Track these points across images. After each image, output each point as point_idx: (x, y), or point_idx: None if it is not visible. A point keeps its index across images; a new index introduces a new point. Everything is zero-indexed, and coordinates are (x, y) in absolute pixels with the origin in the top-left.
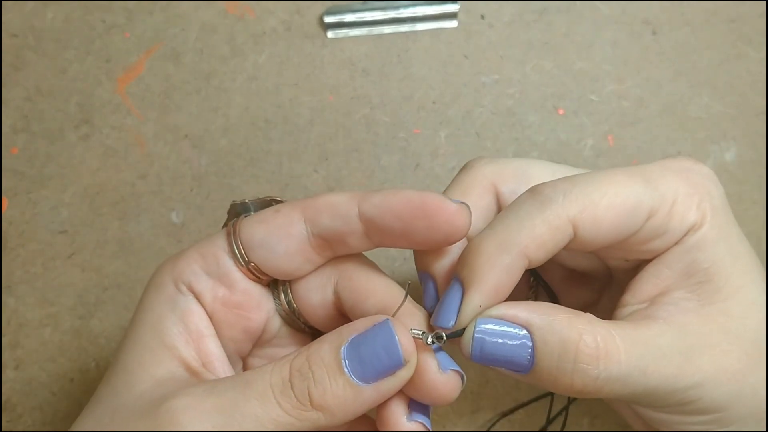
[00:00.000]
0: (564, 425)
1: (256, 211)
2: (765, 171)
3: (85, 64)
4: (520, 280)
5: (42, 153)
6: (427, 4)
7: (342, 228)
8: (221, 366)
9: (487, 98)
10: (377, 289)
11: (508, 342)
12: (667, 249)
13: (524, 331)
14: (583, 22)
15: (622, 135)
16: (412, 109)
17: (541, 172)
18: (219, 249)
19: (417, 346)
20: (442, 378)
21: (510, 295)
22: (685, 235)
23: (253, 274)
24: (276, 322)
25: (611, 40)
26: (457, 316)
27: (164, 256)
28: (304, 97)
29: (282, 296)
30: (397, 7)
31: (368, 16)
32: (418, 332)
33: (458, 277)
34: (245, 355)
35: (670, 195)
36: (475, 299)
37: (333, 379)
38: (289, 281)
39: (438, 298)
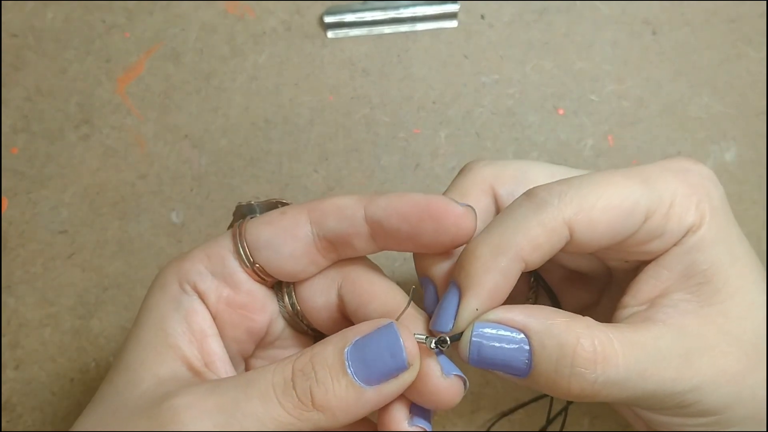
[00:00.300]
0: (563, 425)
1: (261, 212)
2: (765, 171)
3: (85, 64)
4: (521, 281)
5: (42, 153)
6: (427, 4)
7: (348, 230)
8: (224, 366)
9: (487, 98)
10: (380, 293)
11: (506, 346)
12: (666, 250)
13: (522, 335)
14: (583, 22)
15: (622, 135)
16: (412, 109)
17: (540, 174)
18: (224, 249)
19: (420, 350)
20: (445, 383)
21: (510, 297)
22: (684, 236)
23: (258, 276)
24: (279, 324)
25: (611, 40)
26: (455, 320)
27: (164, 256)
28: (304, 97)
29: (286, 298)
30: (397, 7)
31: (368, 16)
32: (422, 337)
33: (455, 281)
34: (248, 356)
35: (667, 196)
36: (472, 303)
37: (336, 379)
38: (294, 283)
39: (438, 302)
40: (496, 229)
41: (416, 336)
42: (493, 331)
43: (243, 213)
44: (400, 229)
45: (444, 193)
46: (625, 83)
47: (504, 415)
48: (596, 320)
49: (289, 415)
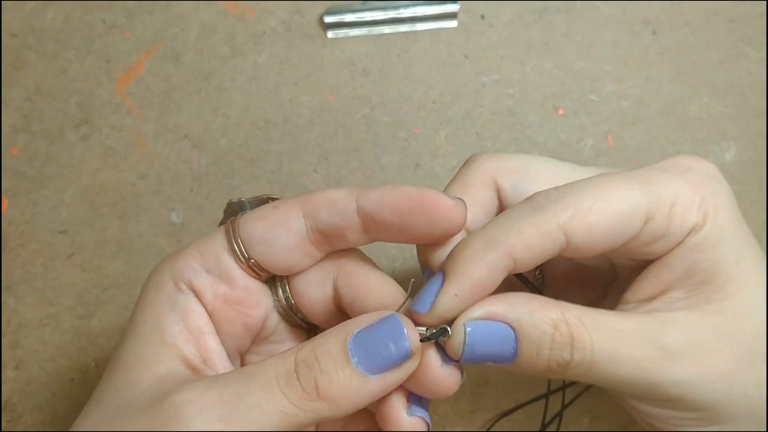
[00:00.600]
0: (559, 425)
1: (252, 209)
2: (765, 171)
3: (85, 64)
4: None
5: (42, 153)
6: (427, 4)
7: (341, 223)
8: (222, 363)
9: (487, 98)
10: (376, 287)
11: (495, 341)
12: (670, 250)
13: (508, 328)
14: (583, 22)
15: (622, 135)
16: (412, 109)
17: (543, 168)
18: (218, 246)
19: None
20: (445, 372)
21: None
22: (687, 236)
23: (253, 271)
24: (274, 319)
25: (611, 40)
26: (433, 302)
27: (164, 256)
28: (304, 97)
29: (280, 292)
30: (397, 7)
31: (368, 16)
32: (422, 329)
33: (443, 268)
34: (244, 351)
35: (668, 197)
36: (452, 288)
37: (340, 369)
38: (287, 277)
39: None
40: (491, 225)
41: (417, 328)
42: (484, 330)
43: (234, 210)
44: (392, 222)
45: (447, 185)
46: (625, 83)
47: (504, 415)
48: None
49: (293, 405)
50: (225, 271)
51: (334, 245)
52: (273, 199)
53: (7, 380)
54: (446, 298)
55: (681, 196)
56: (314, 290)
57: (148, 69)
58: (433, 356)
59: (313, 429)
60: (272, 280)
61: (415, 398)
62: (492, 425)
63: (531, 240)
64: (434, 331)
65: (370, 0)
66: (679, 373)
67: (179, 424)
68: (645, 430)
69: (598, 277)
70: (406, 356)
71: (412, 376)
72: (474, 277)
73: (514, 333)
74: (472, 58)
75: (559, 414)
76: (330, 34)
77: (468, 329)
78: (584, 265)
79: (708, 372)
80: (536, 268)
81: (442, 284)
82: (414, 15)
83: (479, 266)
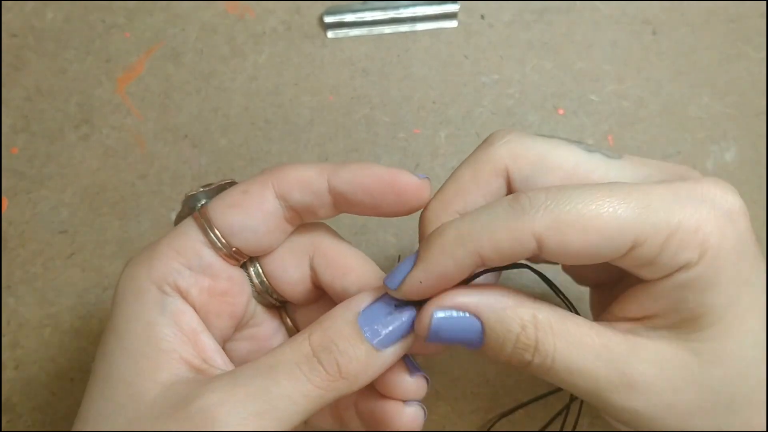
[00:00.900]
0: (563, 425)
1: (212, 197)
2: (765, 171)
3: (85, 64)
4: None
5: (42, 153)
6: (427, 4)
7: (314, 202)
8: (220, 358)
9: (487, 98)
10: (356, 266)
11: (460, 328)
12: (656, 279)
13: (476, 321)
14: (583, 22)
15: (622, 135)
16: (412, 109)
17: (565, 158)
18: (195, 241)
19: None
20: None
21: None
22: (678, 270)
23: (234, 258)
24: (252, 302)
25: (611, 40)
26: (400, 283)
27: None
28: (304, 97)
29: (253, 275)
30: (397, 7)
31: (368, 16)
32: None
33: (418, 249)
34: (228, 340)
35: (665, 228)
36: (418, 275)
37: (356, 347)
38: (258, 260)
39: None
40: (469, 219)
41: None
42: (450, 315)
43: (192, 204)
44: (363, 199)
45: (460, 166)
46: (625, 83)
47: (504, 415)
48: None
49: (318, 388)
50: (207, 265)
51: (304, 220)
52: (231, 184)
53: (7, 380)
54: (412, 282)
55: (682, 230)
56: (291, 271)
57: (148, 69)
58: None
59: (303, 429)
60: (244, 264)
61: (410, 364)
62: (492, 425)
63: (502, 243)
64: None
65: (370, 0)
66: (633, 402)
67: (215, 427)
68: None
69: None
70: (412, 324)
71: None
72: (439, 270)
73: (482, 324)
74: (472, 58)
75: (561, 412)
76: (330, 34)
77: (435, 315)
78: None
79: (663, 408)
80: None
81: (411, 267)
82: (414, 15)
83: (446, 260)
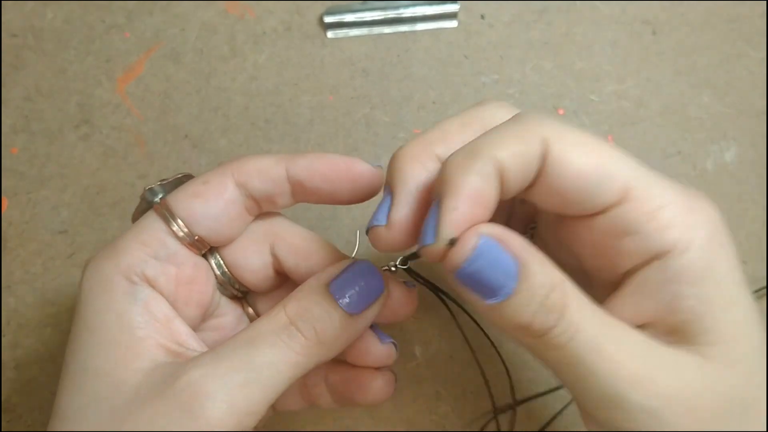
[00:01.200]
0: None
1: (171, 191)
2: (765, 171)
3: (85, 64)
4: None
5: (42, 153)
6: (427, 4)
7: (273, 190)
8: (195, 342)
9: (487, 98)
10: (317, 249)
11: (498, 264)
12: (643, 262)
13: (515, 264)
14: (583, 22)
15: (622, 135)
16: (412, 109)
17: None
18: (159, 232)
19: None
20: (410, 293)
21: None
22: (667, 254)
23: (196, 248)
24: (217, 293)
25: (611, 40)
26: (436, 227)
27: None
28: (304, 97)
29: (214, 265)
30: (397, 7)
31: (368, 16)
32: (385, 267)
33: (436, 196)
34: (195, 330)
35: (658, 197)
36: (450, 204)
37: (331, 314)
38: (218, 250)
39: (390, 211)
40: (478, 138)
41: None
42: (493, 250)
43: (150, 198)
44: (321, 187)
45: (447, 118)
46: (625, 83)
47: (501, 411)
48: None
49: (298, 354)
50: (172, 253)
51: (262, 209)
52: (188, 177)
53: (7, 380)
54: (447, 214)
55: (672, 207)
56: (253, 259)
57: (148, 69)
58: (396, 284)
59: (271, 412)
60: (204, 256)
61: (380, 333)
62: (486, 425)
63: (512, 146)
64: (399, 260)
65: (370, 0)
66: (653, 401)
67: (203, 400)
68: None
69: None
70: (381, 291)
71: (388, 306)
72: (469, 189)
73: (519, 271)
74: (472, 58)
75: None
76: (330, 34)
77: (481, 241)
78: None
79: (683, 412)
80: (528, 225)
81: (437, 215)
82: (414, 15)
83: (471, 177)
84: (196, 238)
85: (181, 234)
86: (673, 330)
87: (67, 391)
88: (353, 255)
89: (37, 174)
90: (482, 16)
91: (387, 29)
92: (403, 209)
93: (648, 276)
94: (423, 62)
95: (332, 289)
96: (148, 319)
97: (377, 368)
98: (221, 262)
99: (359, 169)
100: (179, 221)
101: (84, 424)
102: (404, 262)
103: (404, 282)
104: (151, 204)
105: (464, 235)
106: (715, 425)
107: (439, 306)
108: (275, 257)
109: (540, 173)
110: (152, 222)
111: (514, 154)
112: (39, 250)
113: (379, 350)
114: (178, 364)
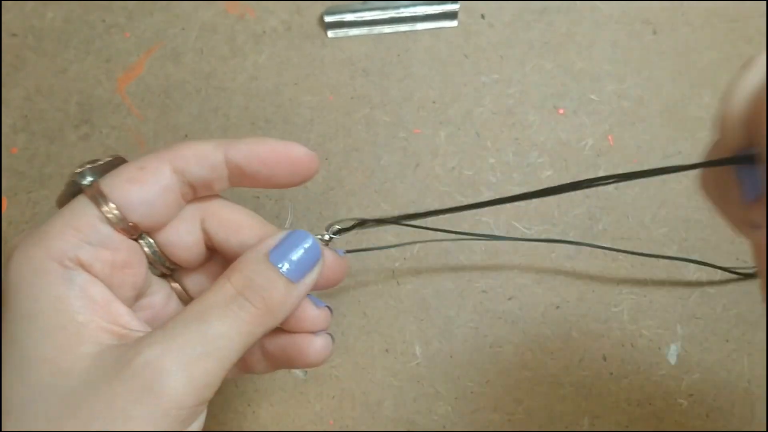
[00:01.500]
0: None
1: (102, 175)
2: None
3: (85, 64)
4: None
5: (42, 153)
6: (427, 4)
7: (210, 175)
8: (136, 322)
9: (487, 98)
10: (246, 221)
11: None
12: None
13: None
14: (583, 22)
15: (622, 135)
16: (412, 109)
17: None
18: (92, 217)
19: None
20: (341, 260)
21: None
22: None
23: (129, 233)
24: (148, 272)
25: (611, 40)
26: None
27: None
28: (304, 97)
29: (144, 245)
30: (397, 7)
31: (368, 15)
32: (317, 236)
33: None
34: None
35: None
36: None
37: (274, 283)
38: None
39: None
40: None
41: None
42: None
43: (79, 182)
44: (259, 171)
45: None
46: (625, 83)
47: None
48: None
49: (249, 324)
50: (106, 238)
51: (198, 194)
52: (120, 160)
53: None
54: None
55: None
56: (185, 237)
57: (148, 69)
58: (328, 251)
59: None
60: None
61: (314, 299)
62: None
63: None
64: (329, 231)
65: (370, 0)
66: None
67: (162, 377)
68: (645, 430)
69: None
70: (318, 258)
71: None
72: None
73: None
74: (472, 58)
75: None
76: (330, 33)
77: None
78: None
79: None
80: None
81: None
82: (414, 15)
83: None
84: (131, 224)
85: (115, 220)
86: None
87: (8, 384)
88: (286, 227)
89: (37, 174)
90: (482, 16)
91: (387, 29)
92: None
93: None
94: (423, 62)
95: (272, 259)
96: (87, 303)
97: (313, 332)
98: (152, 241)
99: (297, 154)
100: (112, 206)
101: (33, 416)
102: (337, 232)
103: (335, 250)
104: (78, 188)
105: None
106: None
107: (438, 306)
108: (206, 232)
109: None
110: (83, 207)
111: None
112: None
113: (316, 314)
114: (128, 346)
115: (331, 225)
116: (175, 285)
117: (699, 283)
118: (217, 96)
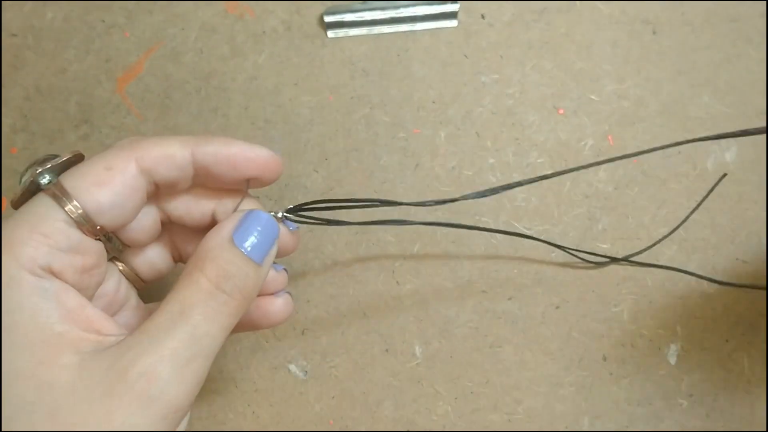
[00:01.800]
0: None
1: (60, 173)
2: (765, 171)
3: (85, 64)
4: None
5: (42, 153)
6: (427, 4)
7: (178, 177)
8: (111, 324)
9: (487, 98)
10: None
11: None
12: None
13: None
14: (583, 22)
15: (622, 135)
16: (412, 109)
17: None
18: (59, 222)
19: None
20: (294, 235)
21: None
22: None
23: (96, 234)
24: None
25: (611, 40)
26: None
27: None
28: (304, 97)
29: (105, 238)
30: (397, 7)
31: (368, 15)
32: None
33: None
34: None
35: None
36: None
37: (246, 268)
38: None
39: None
40: None
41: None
42: None
43: (38, 182)
44: (226, 173)
45: None
46: (625, 83)
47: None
48: None
49: (230, 317)
50: (77, 243)
51: (161, 193)
52: (80, 156)
53: None
54: None
55: None
56: (143, 221)
57: (148, 69)
58: (283, 227)
59: None
60: None
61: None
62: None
63: None
64: (283, 211)
65: (370, 0)
66: None
67: (158, 386)
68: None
69: None
70: (276, 234)
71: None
72: None
73: None
74: (472, 58)
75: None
76: (330, 33)
77: None
78: None
79: None
80: None
81: None
82: (414, 15)
83: None
84: (98, 227)
85: (79, 220)
86: None
87: None
88: (238, 206)
89: None
90: (482, 16)
91: (387, 29)
92: None
93: None
94: (423, 62)
95: (237, 244)
96: (63, 312)
97: (273, 293)
98: (111, 235)
99: (264, 156)
100: (76, 204)
101: None
102: (291, 211)
103: (287, 224)
104: (39, 186)
105: None
106: None
107: (438, 306)
108: (162, 210)
109: None
110: (49, 210)
111: None
112: None
113: (274, 277)
114: (112, 354)
115: (289, 208)
116: (121, 265)
117: (699, 283)
118: (217, 96)
